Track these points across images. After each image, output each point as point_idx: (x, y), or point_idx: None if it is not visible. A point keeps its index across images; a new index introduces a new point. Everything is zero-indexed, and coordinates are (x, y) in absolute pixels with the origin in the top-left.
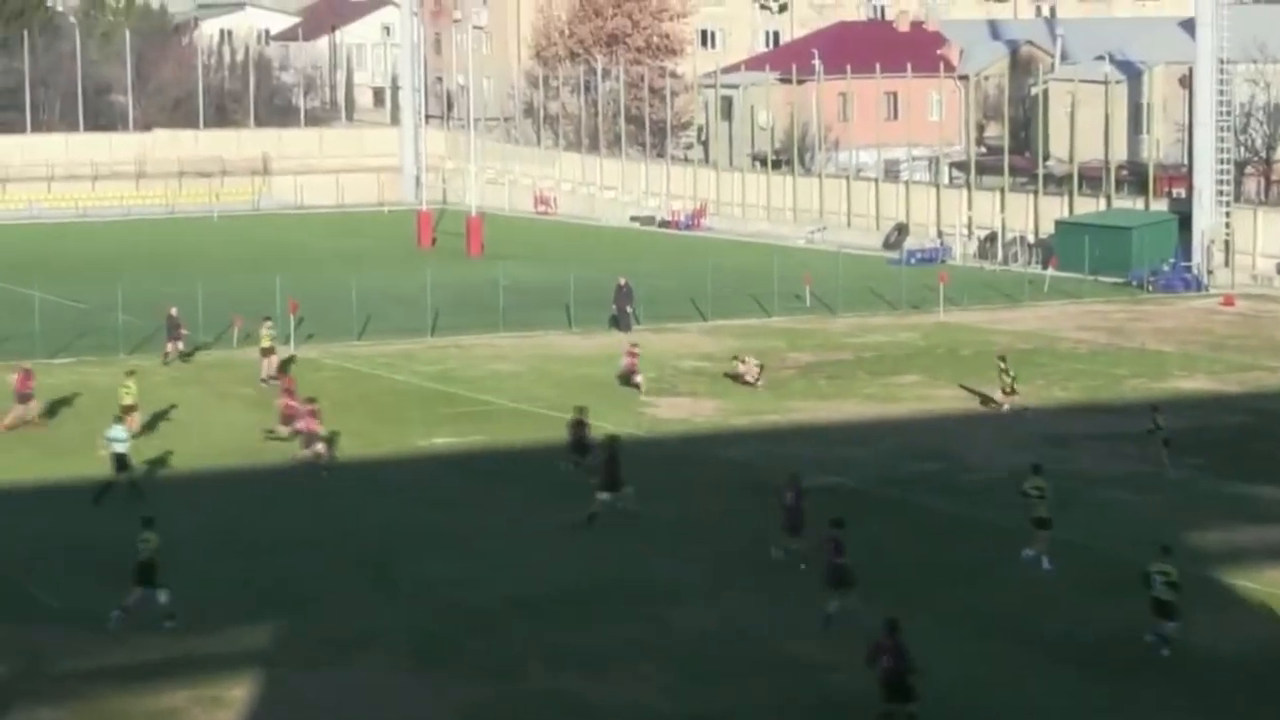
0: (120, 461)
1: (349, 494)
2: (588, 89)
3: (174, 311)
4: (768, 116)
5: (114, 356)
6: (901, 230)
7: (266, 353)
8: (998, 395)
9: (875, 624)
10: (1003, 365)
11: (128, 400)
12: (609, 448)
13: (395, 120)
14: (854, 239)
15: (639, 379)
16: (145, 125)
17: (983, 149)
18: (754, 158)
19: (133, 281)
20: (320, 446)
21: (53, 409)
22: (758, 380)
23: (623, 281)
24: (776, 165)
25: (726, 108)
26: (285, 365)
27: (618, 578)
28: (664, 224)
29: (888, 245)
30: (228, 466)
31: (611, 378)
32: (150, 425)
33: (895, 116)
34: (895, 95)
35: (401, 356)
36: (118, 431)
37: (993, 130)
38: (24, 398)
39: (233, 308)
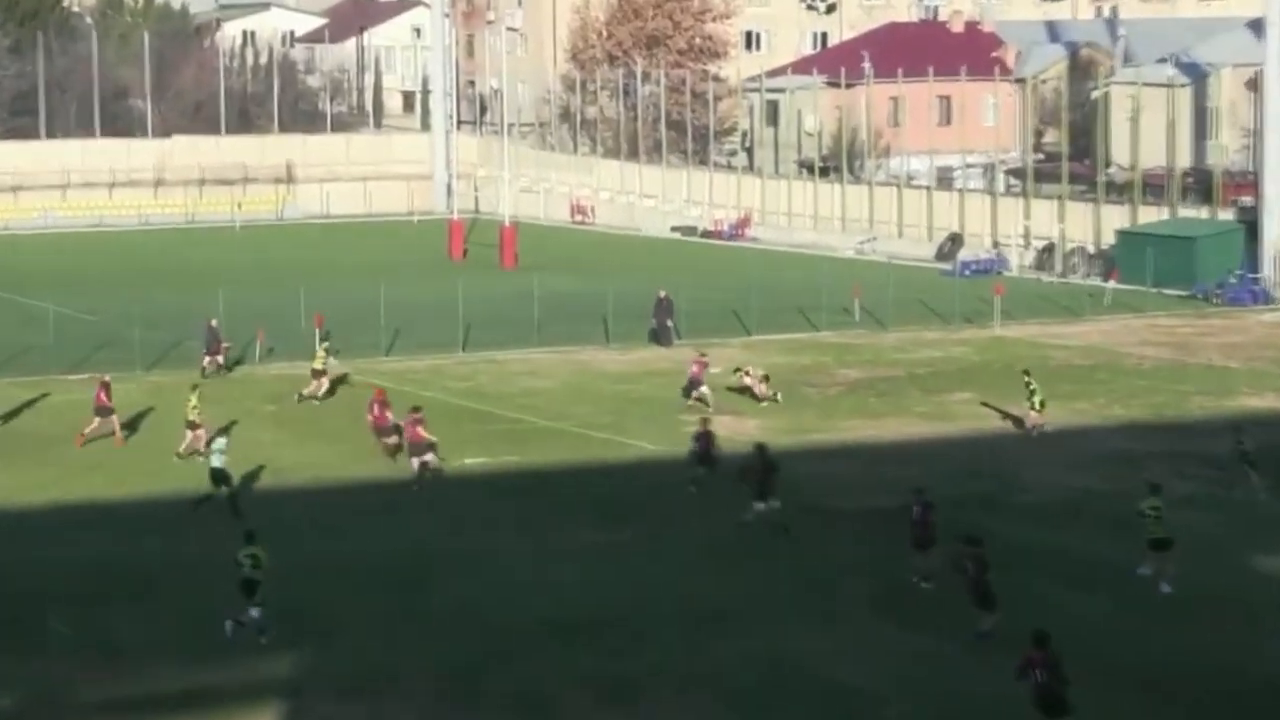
0: (218, 475)
1: (376, 516)
2: (627, 93)
3: (214, 323)
4: (815, 121)
5: (131, 372)
6: (955, 240)
7: (317, 374)
8: (1030, 417)
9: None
10: (1028, 381)
11: (192, 416)
12: (761, 454)
13: (425, 126)
14: (905, 250)
15: (704, 390)
16: (164, 131)
17: (1040, 155)
18: (800, 165)
19: (150, 293)
20: (430, 456)
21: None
22: (771, 394)
23: (663, 294)
24: (824, 172)
25: (772, 113)
26: (335, 385)
27: (657, 601)
28: (706, 234)
29: (941, 256)
30: (247, 487)
31: (651, 394)
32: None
33: (948, 121)
34: (948, 99)
35: (431, 372)
36: (221, 443)
37: (1051, 136)
38: (103, 411)
39: (255, 321)
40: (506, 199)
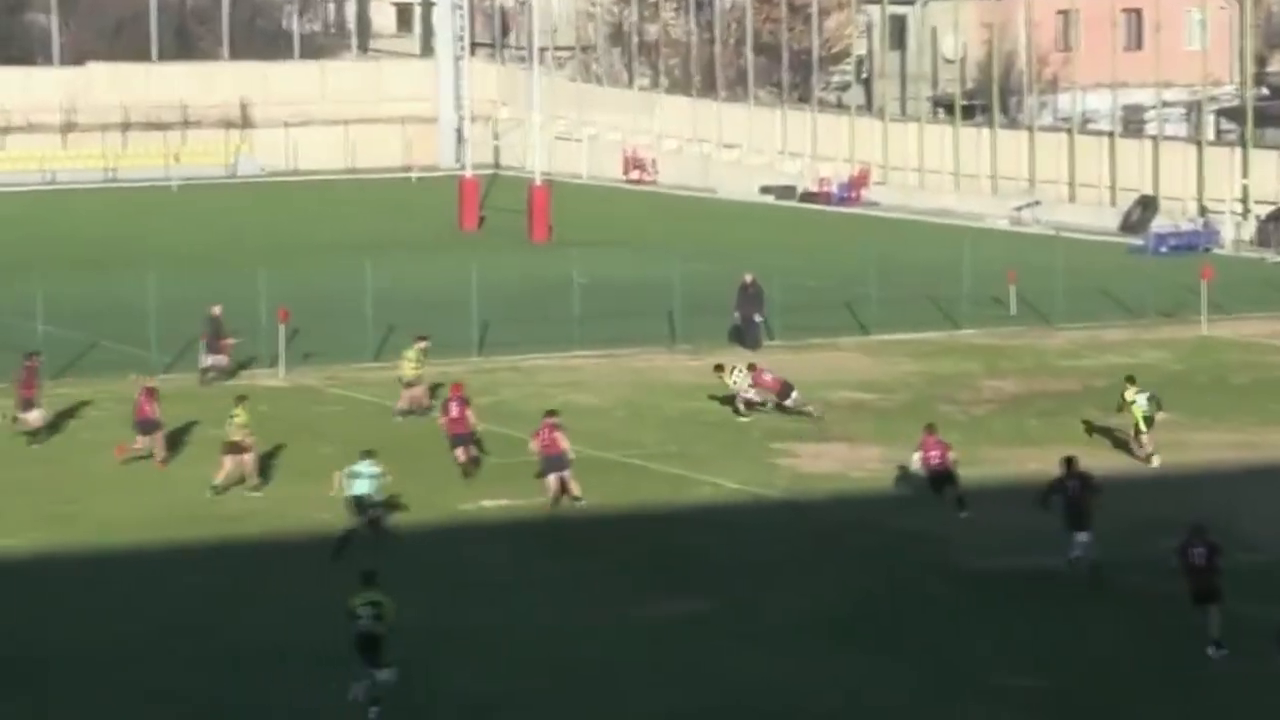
0: (359, 504)
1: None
2: (700, 6)
3: (217, 311)
4: (956, 44)
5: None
6: (1147, 206)
7: (409, 385)
8: (1142, 444)
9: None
10: (1129, 395)
11: (237, 436)
12: (1078, 475)
13: (427, 50)
14: (1079, 218)
15: (750, 395)
16: (76, 57)
17: (1263, 90)
18: (936, 103)
19: (57, 279)
20: (567, 476)
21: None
22: (782, 400)
23: (749, 279)
24: (969, 114)
25: (898, 32)
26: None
27: (747, 701)
28: (808, 197)
29: (1128, 228)
30: (203, 537)
31: (732, 414)
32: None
33: (1138, 45)
34: (1138, 15)
35: (437, 383)
36: (364, 466)
37: (1277, 65)
38: (148, 425)
39: (196, 318)
40: (537, 149)
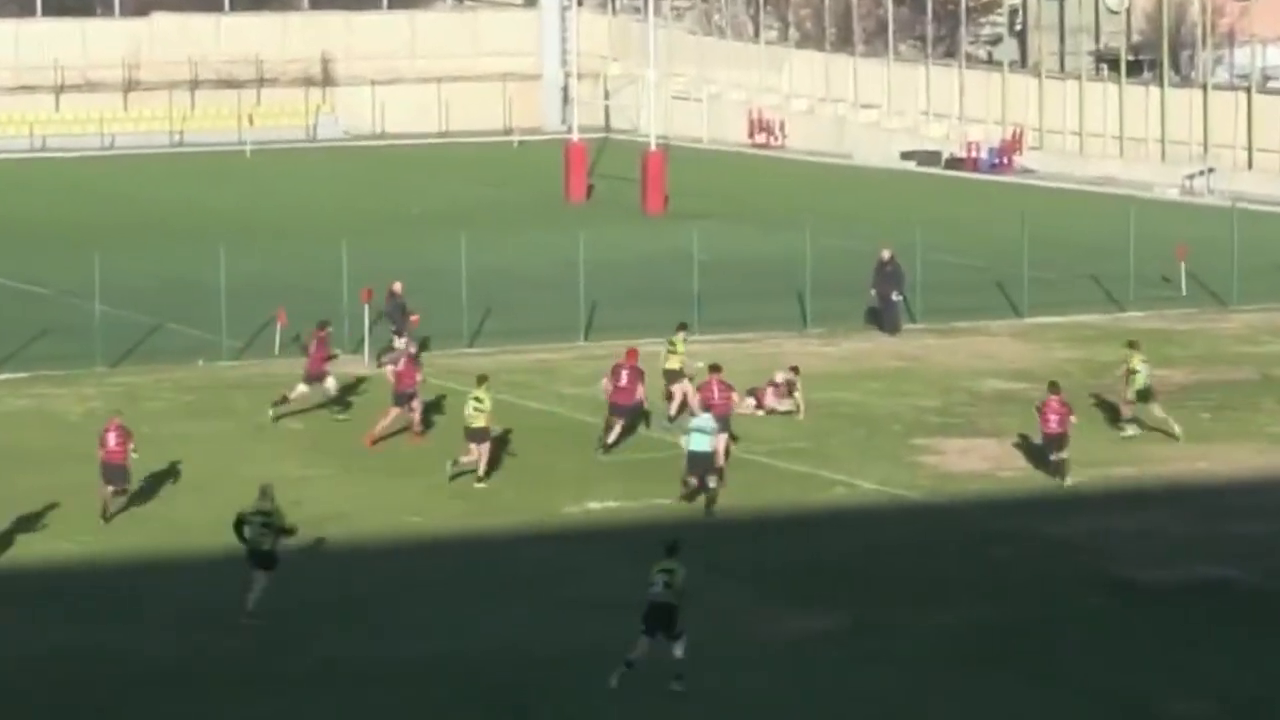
0: (697, 461)
1: (458, 590)
2: None
3: (397, 288)
4: None
5: (89, 368)
6: None
7: (673, 376)
8: (1123, 410)
9: None
10: (1132, 362)
11: (479, 422)
12: None
13: (531, 0)
14: (1258, 187)
15: (773, 403)
16: (139, 7)
17: None
18: (1099, 58)
19: (117, 254)
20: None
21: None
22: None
23: (887, 255)
24: (1135, 70)
25: None
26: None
27: None
28: (955, 163)
29: None
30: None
31: (870, 404)
32: (144, 489)
33: None
34: None
35: (539, 371)
36: (704, 420)
37: None
38: (405, 397)
39: (274, 297)
40: (652, 111)
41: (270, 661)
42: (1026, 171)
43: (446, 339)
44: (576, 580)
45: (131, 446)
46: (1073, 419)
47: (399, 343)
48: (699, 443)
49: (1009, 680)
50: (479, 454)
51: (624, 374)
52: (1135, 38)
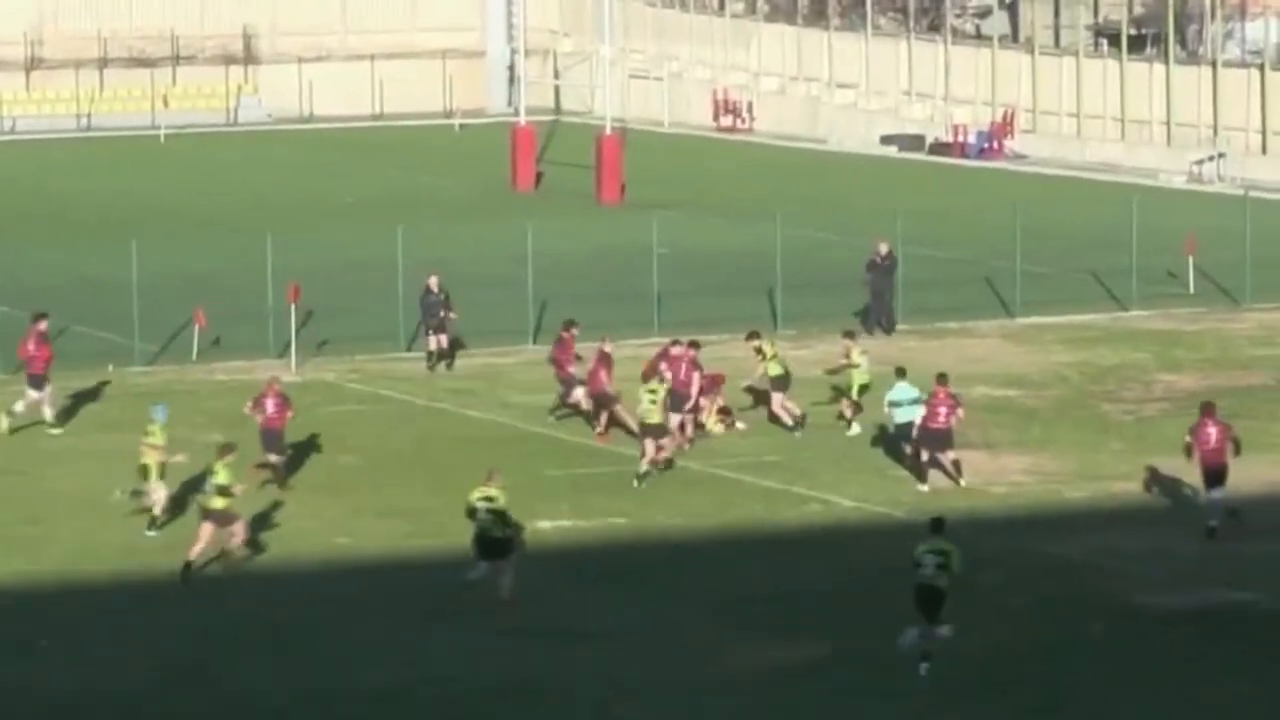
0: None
1: (392, 618)
2: None
3: (434, 283)
4: None
5: None
6: None
7: (778, 384)
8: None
9: None
10: (851, 355)
11: (655, 417)
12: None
13: None
14: (1275, 174)
15: (704, 417)
16: None
17: None
18: (1097, 32)
19: (18, 249)
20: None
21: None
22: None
23: (885, 250)
24: (1137, 45)
25: None
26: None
27: None
28: (940, 148)
29: None
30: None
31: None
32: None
33: None
34: None
35: (483, 378)
36: (903, 391)
37: None
38: (603, 400)
39: (192, 296)
40: (607, 91)
41: (169, 696)
42: (1019, 157)
43: (380, 341)
44: (524, 606)
45: (290, 414)
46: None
47: (430, 343)
48: (907, 413)
49: (1006, 715)
50: (656, 450)
51: (683, 367)
52: (1137, 10)
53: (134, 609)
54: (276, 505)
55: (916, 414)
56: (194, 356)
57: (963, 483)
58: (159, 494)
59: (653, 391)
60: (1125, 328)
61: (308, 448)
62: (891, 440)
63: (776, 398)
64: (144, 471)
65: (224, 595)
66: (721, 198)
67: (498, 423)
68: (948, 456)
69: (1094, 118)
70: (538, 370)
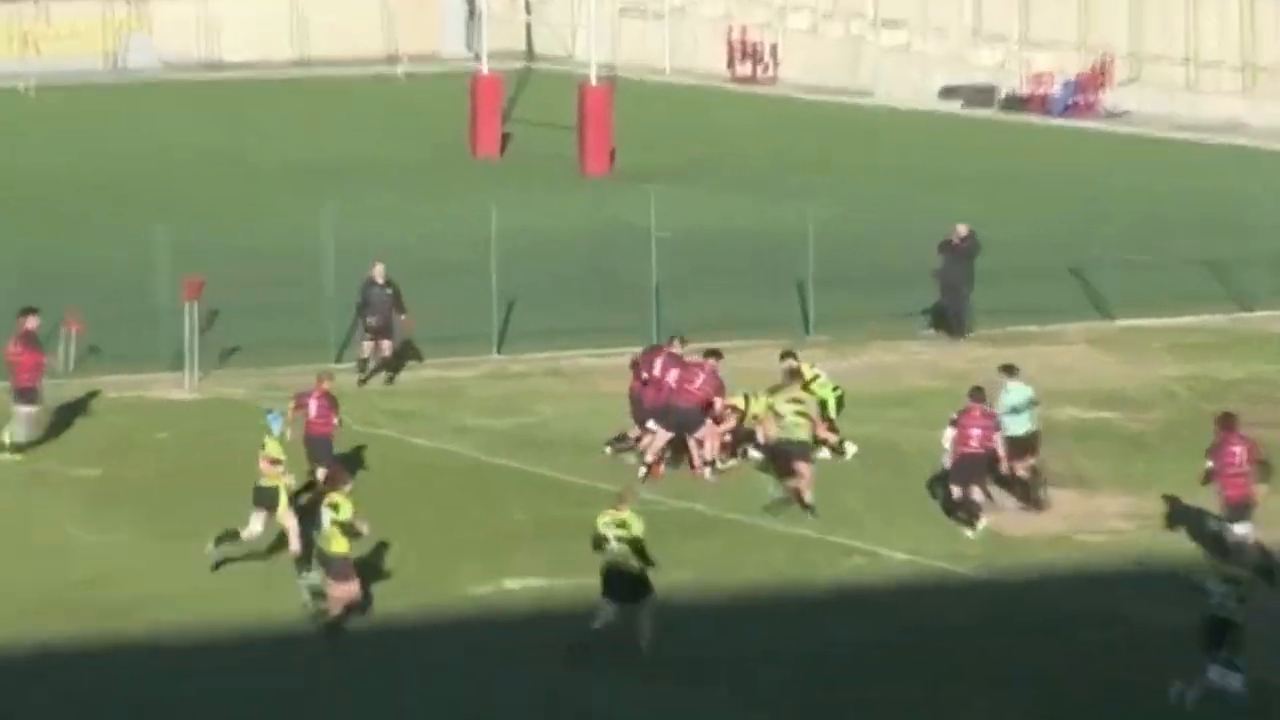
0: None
1: (308, 713)
2: None
3: (379, 275)
4: None
5: None
6: None
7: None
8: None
9: None
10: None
11: (802, 433)
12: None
13: None
14: None
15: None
16: None
17: None
18: None
19: None
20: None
21: None
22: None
23: (964, 232)
24: None
25: None
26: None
27: None
28: (1016, 103)
29: None
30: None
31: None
32: None
33: None
34: None
35: (434, 395)
36: (1017, 392)
37: None
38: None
39: (64, 292)
40: (593, 32)
41: None
42: (1117, 114)
43: (303, 349)
44: (486, 697)
45: (336, 420)
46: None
47: (366, 349)
48: (1024, 423)
49: None
50: (806, 475)
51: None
52: None
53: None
54: (169, 556)
55: (1033, 421)
56: (68, 367)
57: (971, 533)
58: (288, 524)
59: (798, 402)
60: (1250, 332)
61: (207, 483)
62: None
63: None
64: (264, 497)
65: (101, 672)
66: (738, 166)
67: (450, 453)
68: (973, 493)
69: (1212, 65)
70: (503, 385)
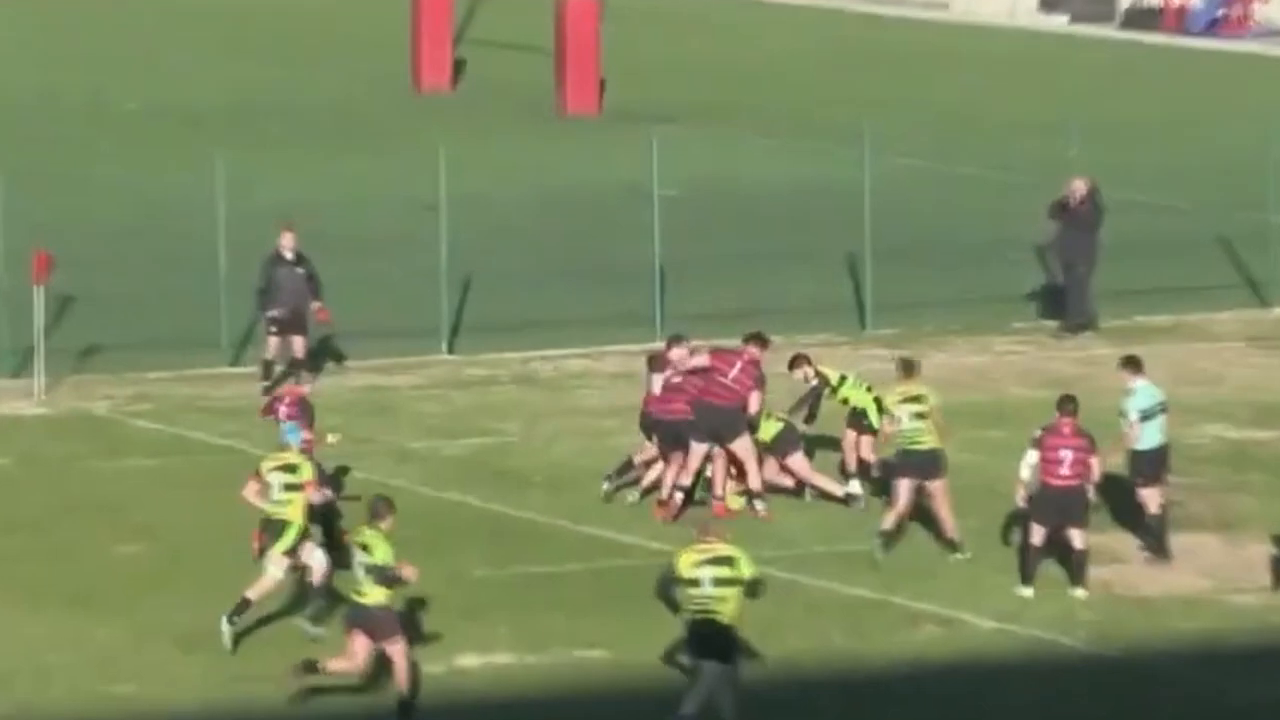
0: None
1: None
2: None
3: (289, 243)
4: None
5: None
6: None
7: (856, 422)
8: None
9: None
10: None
11: (928, 441)
12: None
13: None
14: None
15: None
16: None
17: None
18: None
19: None
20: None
21: None
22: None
23: (1083, 189)
24: None
25: None
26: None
27: None
28: (1141, 18)
29: None
30: None
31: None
32: None
33: None
34: None
35: (368, 410)
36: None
37: None
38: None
39: None
40: None
41: None
42: (1273, 34)
43: (187, 349)
44: None
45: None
46: None
47: (271, 347)
48: (1155, 433)
49: None
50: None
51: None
52: None
53: None
54: (33, 626)
55: (1161, 434)
56: None
57: (1081, 592)
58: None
59: (916, 400)
60: None
61: (58, 528)
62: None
63: (865, 442)
64: (282, 532)
65: None
66: (766, 104)
67: (387, 487)
68: (1075, 537)
69: None
70: (457, 396)
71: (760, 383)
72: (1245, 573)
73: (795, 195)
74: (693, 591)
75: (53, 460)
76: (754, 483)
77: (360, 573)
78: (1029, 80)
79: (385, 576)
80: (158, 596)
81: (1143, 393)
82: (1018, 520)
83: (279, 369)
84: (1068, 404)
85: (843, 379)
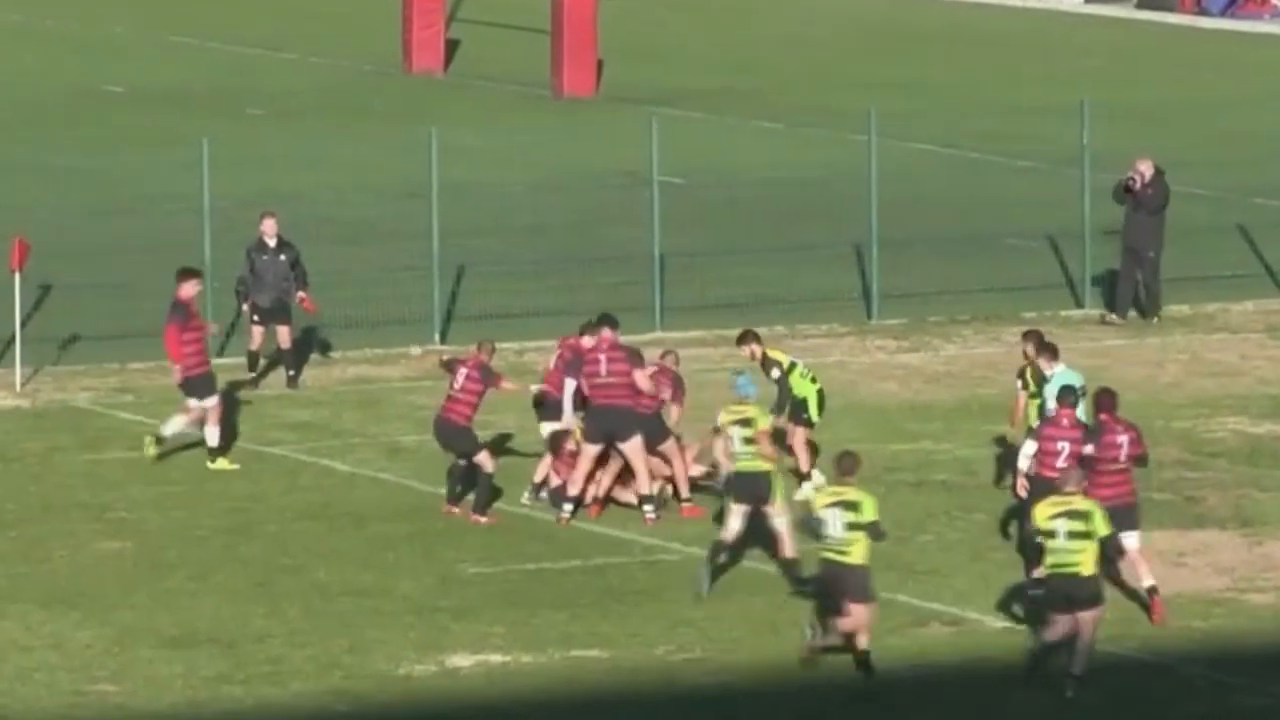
0: None
1: None
2: None
3: (271, 229)
4: None
5: None
6: None
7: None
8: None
9: None
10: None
11: None
12: None
13: None
14: None
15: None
16: None
17: None
18: None
19: None
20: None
21: None
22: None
23: (1148, 172)
24: None
25: None
26: None
27: None
28: None
29: None
30: None
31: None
32: None
33: None
34: None
35: (355, 402)
36: None
37: None
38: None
39: None
40: None
41: None
42: None
43: (135, 332)
44: None
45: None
46: None
47: (255, 338)
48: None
49: None
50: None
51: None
52: None
53: None
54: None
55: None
56: None
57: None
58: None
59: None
60: None
61: (37, 525)
62: None
63: (799, 433)
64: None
65: None
66: (772, 86)
67: (377, 482)
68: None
69: None
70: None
71: (679, 388)
72: (1262, 571)
73: (799, 181)
74: (1050, 545)
75: (33, 453)
76: (642, 487)
77: (841, 534)
78: (1042, 58)
79: (876, 532)
80: (140, 594)
81: (1060, 378)
82: (1017, 513)
83: (263, 361)
84: (1067, 395)
85: (792, 365)
